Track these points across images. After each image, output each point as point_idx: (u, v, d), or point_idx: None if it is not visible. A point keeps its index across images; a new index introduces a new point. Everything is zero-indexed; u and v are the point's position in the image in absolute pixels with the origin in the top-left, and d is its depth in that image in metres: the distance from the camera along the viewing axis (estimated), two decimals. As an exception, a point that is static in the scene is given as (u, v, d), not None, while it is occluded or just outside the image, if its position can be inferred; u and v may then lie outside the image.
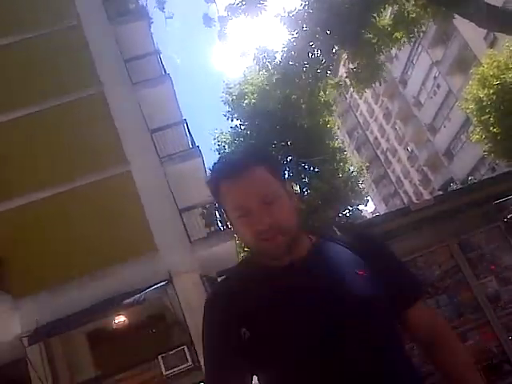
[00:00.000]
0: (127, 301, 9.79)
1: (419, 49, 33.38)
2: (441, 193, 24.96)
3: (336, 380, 1.06)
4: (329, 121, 19.74)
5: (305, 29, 9.25)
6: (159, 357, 10.05)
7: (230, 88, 19.95)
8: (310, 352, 1.08)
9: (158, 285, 10.11)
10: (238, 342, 1.12)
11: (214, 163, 1.23)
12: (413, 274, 1.33)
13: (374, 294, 1.13)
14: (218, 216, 12.85)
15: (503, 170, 14.27)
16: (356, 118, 55.39)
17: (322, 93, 11.00)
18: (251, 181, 1.17)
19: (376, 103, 48.23)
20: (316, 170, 19.11)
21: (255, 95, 18.73)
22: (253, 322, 1.12)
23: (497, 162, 19.44)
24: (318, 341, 1.08)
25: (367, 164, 34.08)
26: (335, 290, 1.12)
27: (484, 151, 19.49)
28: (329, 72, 9.94)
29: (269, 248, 1.15)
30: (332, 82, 10.87)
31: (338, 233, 1.28)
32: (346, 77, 10.50)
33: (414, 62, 35.44)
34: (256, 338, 1.11)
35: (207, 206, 12.63)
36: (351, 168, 20.79)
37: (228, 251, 11.54)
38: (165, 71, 13.86)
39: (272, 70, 10.00)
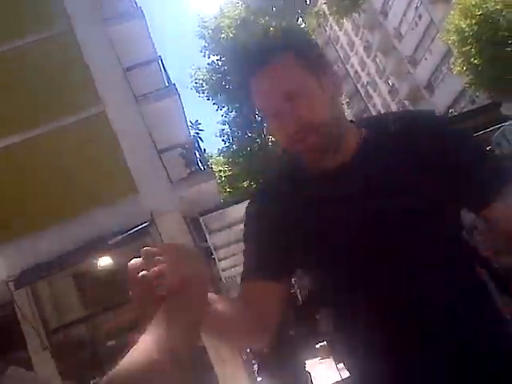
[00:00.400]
0: (111, 242, 9.83)
1: (401, -24, 32.23)
2: (421, 126, 25.06)
3: (370, 294, 0.97)
4: (308, 54, 19.18)
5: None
6: (146, 296, 10.25)
7: (206, 22, 19.17)
8: (344, 267, 1.00)
9: (141, 226, 10.12)
10: (274, 248, 1.06)
11: (240, 48, 1.10)
12: (490, 164, 1.01)
13: (429, 199, 0.95)
14: (198, 156, 12.72)
15: (483, 103, 14.30)
16: (336, 51, 54.21)
17: (300, 22, 10.64)
18: (273, 73, 0.99)
19: (356, 35, 47.06)
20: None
21: (232, 29, 18.06)
22: (287, 230, 1.05)
23: (477, 94, 19.40)
24: (353, 256, 0.98)
25: (347, 99, 33.77)
26: (379, 198, 0.96)
27: (465, 83, 19.38)
28: (308, 1, 9.57)
29: (302, 150, 1.01)
30: (311, 12, 10.50)
31: (397, 123, 1.04)
32: (325, 3, 10.13)
33: (395, -10, 34.33)
34: (289, 247, 1.05)
35: (186, 145, 12.47)
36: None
37: (210, 191, 11.52)
38: (136, 5, 13.18)
39: (249, 1, 9.59)
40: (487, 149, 1.09)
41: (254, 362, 18.15)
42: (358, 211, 0.97)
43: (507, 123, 5.89)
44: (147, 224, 10.26)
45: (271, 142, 19.68)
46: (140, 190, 10.86)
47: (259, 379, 13.85)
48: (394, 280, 0.94)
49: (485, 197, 0.98)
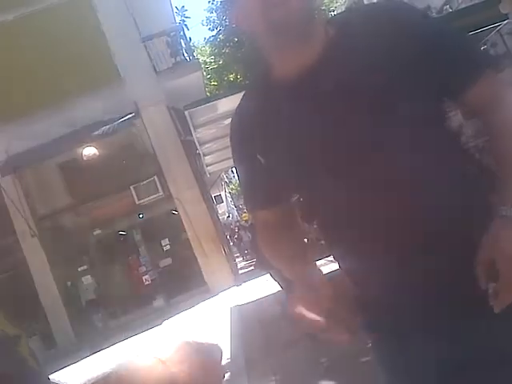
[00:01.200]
0: (96, 132, 9.75)
1: None
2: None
3: (352, 196, 0.95)
4: None
5: None
6: (131, 187, 10.39)
7: None
8: (323, 173, 0.97)
9: (126, 117, 9.99)
10: (260, 168, 1.05)
11: None
12: (469, 48, 0.98)
13: (403, 95, 0.90)
14: (183, 45, 12.21)
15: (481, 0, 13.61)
16: None
17: None
18: None
19: None
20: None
21: None
22: (263, 149, 1.03)
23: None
24: (329, 161, 0.95)
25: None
26: (350, 98, 0.91)
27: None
28: None
29: (279, 17, 0.90)
30: None
31: (365, 19, 0.98)
32: None
33: None
34: (269, 165, 1.03)
35: (172, 33, 11.90)
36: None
37: (195, 82, 11.24)
38: None
39: None
40: (469, 39, 1.02)
41: (236, 255, 19.12)
42: (330, 113, 0.93)
43: (505, 22, 5.68)
44: (132, 115, 10.12)
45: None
46: (125, 80, 10.55)
47: (244, 271, 14.56)
48: (377, 177, 0.92)
49: (463, 80, 0.94)
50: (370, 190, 0.92)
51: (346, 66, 0.93)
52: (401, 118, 0.90)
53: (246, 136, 1.08)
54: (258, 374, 4.18)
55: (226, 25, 18.24)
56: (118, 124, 9.79)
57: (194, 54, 14.46)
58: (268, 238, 1.15)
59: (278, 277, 4.77)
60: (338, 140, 0.94)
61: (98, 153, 10.27)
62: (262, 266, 5.11)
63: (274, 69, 1.02)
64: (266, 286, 8.26)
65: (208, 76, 19.42)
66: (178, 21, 16.34)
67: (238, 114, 1.11)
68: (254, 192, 1.14)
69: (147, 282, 11.24)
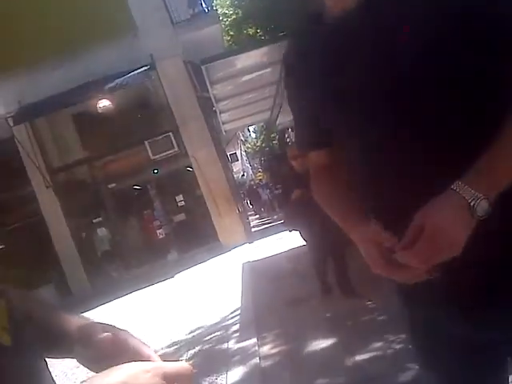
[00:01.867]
0: (110, 84, 9.60)
1: None
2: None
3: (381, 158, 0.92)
4: None
5: None
6: (146, 142, 10.32)
7: None
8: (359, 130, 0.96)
9: (141, 69, 9.81)
10: (308, 111, 1.07)
11: None
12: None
13: (442, 43, 0.84)
14: (202, -5, 11.84)
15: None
16: None
17: None
18: None
19: None
20: None
21: None
22: (309, 96, 1.04)
23: None
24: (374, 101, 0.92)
25: None
26: (394, 48, 0.87)
27: None
28: None
29: None
30: None
31: None
32: None
33: None
34: (316, 113, 1.04)
35: (190, -18, 11.52)
36: None
37: (212, 36, 10.92)
38: None
39: None
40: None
41: (250, 213, 19.17)
42: (374, 52, 0.90)
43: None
44: (147, 67, 9.93)
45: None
46: (140, 30, 10.28)
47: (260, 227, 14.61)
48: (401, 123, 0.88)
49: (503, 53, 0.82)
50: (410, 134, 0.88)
51: (391, 7, 0.89)
52: (441, 65, 0.85)
53: (293, 80, 1.10)
54: (266, 328, 4.28)
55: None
56: (133, 76, 9.63)
57: (213, 5, 14.02)
58: (322, 183, 1.13)
59: (308, 234, 4.70)
60: (381, 77, 0.90)
61: (111, 106, 10.15)
62: (291, 223, 4.98)
63: (323, 9, 1.00)
64: (277, 244, 8.33)
65: (226, 29, 18.88)
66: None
67: (287, 57, 1.12)
68: (305, 133, 1.15)
69: (161, 236, 11.39)
